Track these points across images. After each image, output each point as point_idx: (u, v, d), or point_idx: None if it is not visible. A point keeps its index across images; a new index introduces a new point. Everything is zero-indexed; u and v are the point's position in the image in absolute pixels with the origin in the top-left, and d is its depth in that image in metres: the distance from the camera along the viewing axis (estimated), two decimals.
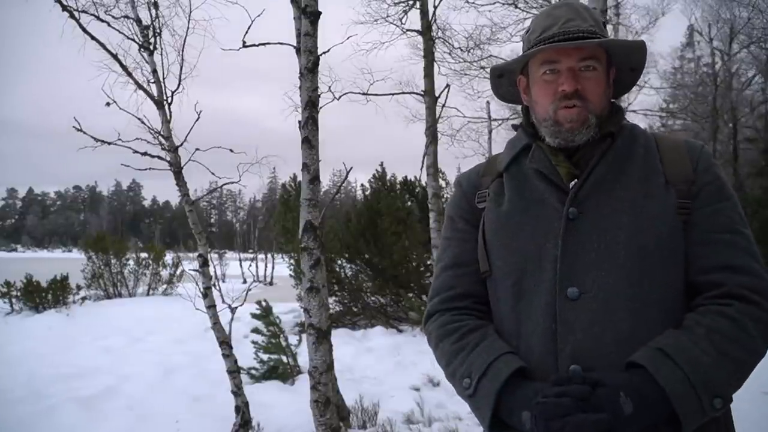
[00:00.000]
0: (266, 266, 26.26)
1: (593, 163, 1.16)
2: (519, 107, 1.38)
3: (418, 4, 8.98)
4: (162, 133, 4.82)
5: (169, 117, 4.86)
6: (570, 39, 1.15)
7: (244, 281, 21.13)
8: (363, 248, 9.94)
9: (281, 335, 6.36)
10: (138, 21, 4.95)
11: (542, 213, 1.17)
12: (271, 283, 23.99)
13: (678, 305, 1.11)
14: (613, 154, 1.17)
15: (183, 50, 4.92)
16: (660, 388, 0.98)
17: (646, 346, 1.04)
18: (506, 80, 1.32)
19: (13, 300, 12.62)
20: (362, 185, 13.53)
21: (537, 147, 1.22)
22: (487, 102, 15.11)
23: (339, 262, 10.18)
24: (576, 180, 1.16)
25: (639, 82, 1.32)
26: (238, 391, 4.60)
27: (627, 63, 1.24)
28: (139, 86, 4.83)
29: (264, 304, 6.39)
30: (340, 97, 6.29)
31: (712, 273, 1.10)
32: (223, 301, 4.74)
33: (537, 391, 1.05)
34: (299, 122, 4.04)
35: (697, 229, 1.12)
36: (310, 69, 4.00)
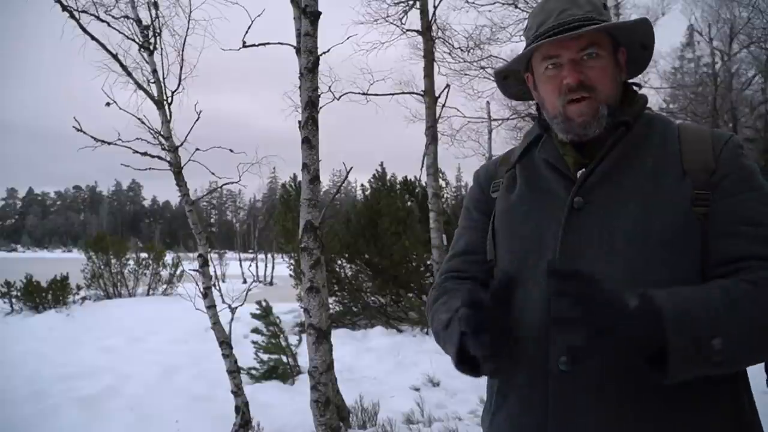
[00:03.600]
0: (266, 266, 26.28)
1: (603, 152, 1.12)
2: (519, 107, 1.35)
3: (418, 4, 8.97)
4: (162, 133, 4.82)
5: (169, 117, 4.86)
6: (566, 30, 1.11)
7: (244, 281, 21.12)
8: (363, 248, 9.94)
9: (281, 335, 6.37)
10: (138, 21, 4.95)
11: (548, 203, 1.15)
12: (271, 283, 24.02)
13: None
14: (626, 143, 1.13)
15: (183, 50, 4.94)
16: (657, 308, 0.91)
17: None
18: (513, 80, 1.30)
19: (13, 300, 12.62)
20: (362, 185, 13.50)
21: (547, 137, 1.22)
22: (487, 102, 15.08)
23: (339, 262, 10.19)
24: (584, 169, 1.13)
25: (639, 81, 1.27)
26: (238, 391, 4.61)
27: (635, 41, 1.19)
28: (139, 86, 4.83)
29: (264, 304, 6.40)
30: (340, 97, 6.31)
31: (731, 264, 1.02)
32: (223, 301, 4.75)
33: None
34: (299, 122, 4.04)
35: (717, 222, 1.05)
36: (310, 69, 4.00)
